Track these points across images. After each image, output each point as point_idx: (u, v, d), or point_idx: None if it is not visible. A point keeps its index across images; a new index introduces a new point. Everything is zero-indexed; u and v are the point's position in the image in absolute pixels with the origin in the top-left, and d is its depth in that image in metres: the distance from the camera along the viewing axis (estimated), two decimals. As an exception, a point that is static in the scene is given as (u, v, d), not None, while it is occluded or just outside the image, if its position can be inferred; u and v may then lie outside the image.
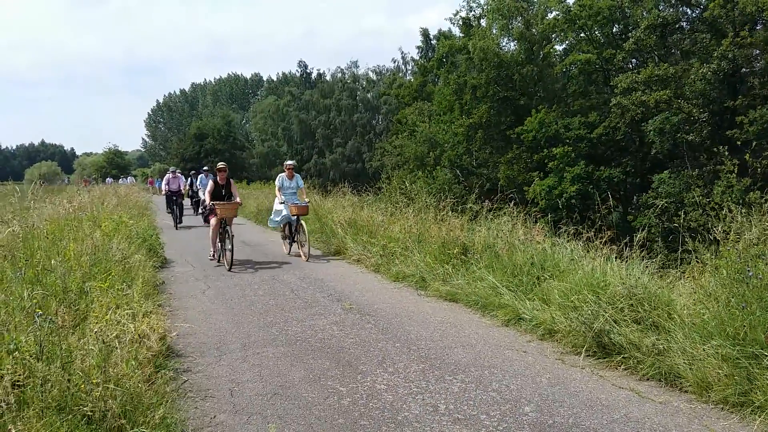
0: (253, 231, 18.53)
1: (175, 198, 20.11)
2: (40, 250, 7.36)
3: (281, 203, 12.36)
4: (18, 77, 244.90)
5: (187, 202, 23.84)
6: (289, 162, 12.98)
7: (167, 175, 21.10)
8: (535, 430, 4.14)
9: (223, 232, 11.35)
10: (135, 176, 66.91)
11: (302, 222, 12.14)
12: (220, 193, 11.65)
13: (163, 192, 20.70)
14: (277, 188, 12.65)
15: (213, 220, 11.61)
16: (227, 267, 10.79)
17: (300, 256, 12.08)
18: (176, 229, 19.06)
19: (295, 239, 12.50)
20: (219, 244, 11.54)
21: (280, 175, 12.85)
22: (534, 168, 28.07)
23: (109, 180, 55.99)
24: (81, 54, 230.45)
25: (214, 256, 11.75)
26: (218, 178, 11.73)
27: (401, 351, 5.90)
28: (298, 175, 12.94)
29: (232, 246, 10.97)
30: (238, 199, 11.84)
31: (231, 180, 11.95)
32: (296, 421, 4.36)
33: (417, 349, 5.95)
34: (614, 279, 5.93)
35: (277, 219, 12.71)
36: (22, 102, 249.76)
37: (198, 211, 23.53)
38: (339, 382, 5.10)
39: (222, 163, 12.25)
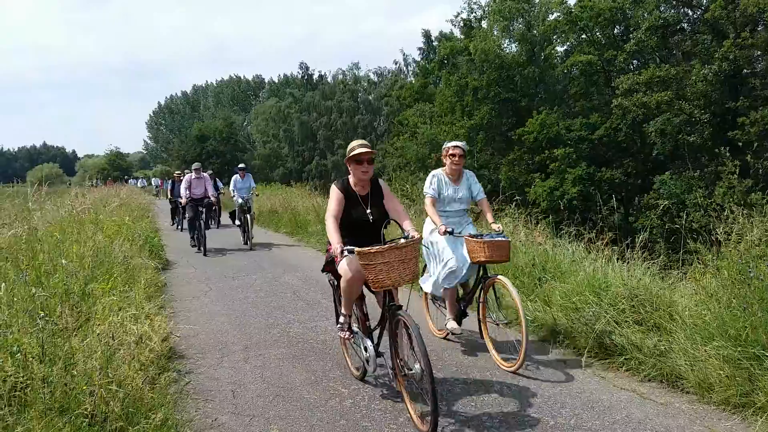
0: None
1: (200, 209, 13.73)
2: (43, 252, 7.37)
3: (447, 232, 5.68)
4: (20, 80, 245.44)
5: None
6: (455, 144, 6.07)
7: (188, 175, 14.36)
8: (536, 430, 4.14)
9: (390, 315, 4.67)
10: (139, 178, 63.80)
11: (503, 278, 5.54)
12: (361, 215, 5.04)
13: (184, 199, 13.90)
14: (427, 202, 6.04)
15: (348, 284, 4.85)
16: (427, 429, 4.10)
17: (490, 353, 5.66)
18: (204, 255, 12.95)
19: (480, 313, 5.84)
20: (361, 349, 4.99)
21: (434, 173, 6.17)
22: (535, 169, 28.10)
23: (132, 182, 54.97)
24: (83, 56, 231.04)
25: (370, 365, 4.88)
26: (351, 181, 5.08)
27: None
28: (471, 173, 6.27)
29: (427, 366, 4.06)
30: (411, 230, 4.90)
31: (382, 182, 5.22)
32: (298, 422, 4.36)
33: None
34: (616, 280, 5.93)
35: (449, 278, 5.86)
36: (24, 104, 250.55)
37: (218, 224, 18.86)
38: (341, 384, 5.10)
39: (362, 143, 5.01)
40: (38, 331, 4.40)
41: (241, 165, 15.92)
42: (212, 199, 14.12)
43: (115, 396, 4.02)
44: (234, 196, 15.16)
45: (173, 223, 20.09)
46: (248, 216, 14.54)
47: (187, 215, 14.42)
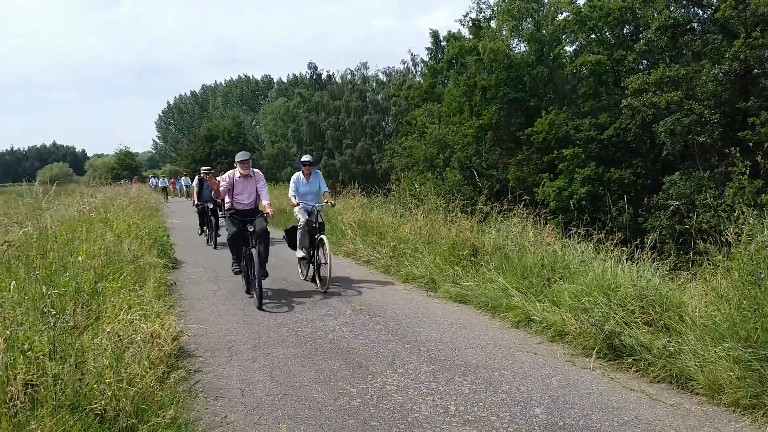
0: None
1: (249, 228, 8.47)
2: (53, 250, 7.42)
3: None
4: (30, 79, 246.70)
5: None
6: None
7: (229, 173, 8.95)
8: (545, 431, 4.13)
9: None
10: (160, 177, 59.46)
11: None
12: None
13: (225, 207, 9.02)
14: None
15: None
16: None
17: None
18: (259, 307, 7.84)
19: None
20: None
21: None
22: (544, 169, 28.00)
23: (152, 181, 52.73)
24: (92, 56, 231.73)
25: None
26: None
27: (411, 352, 5.91)
28: None
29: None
30: None
31: None
32: (307, 421, 4.37)
33: (427, 351, 5.95)
34: (625, 281, 5.91)
35: None
36: (35, 104, 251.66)
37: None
38: (349, 383, 5.11)
39: None
40: (49, 329, 4.42)
41: (307, 157, 9.95)
42: (269, 212, 8.62)
43: (125, 394, 4.05)
44: (297, 205, 9.41)
45: (201, 232, 15.82)
46: (322, 238, 8.97)
47: (227, 233, 8.77)
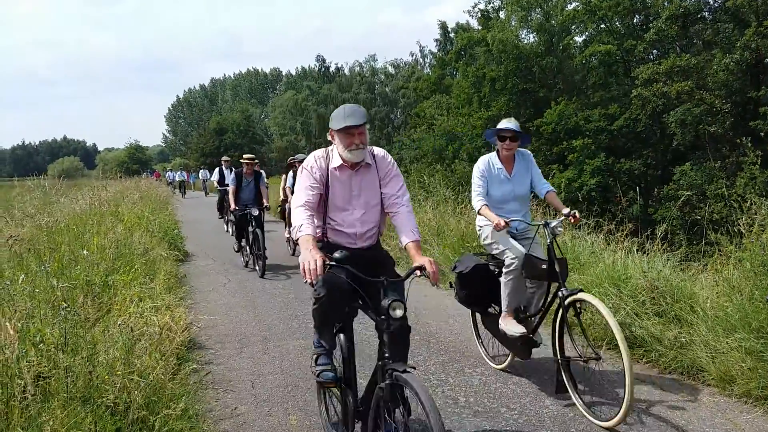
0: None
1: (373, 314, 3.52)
2: (64, 243, 7.46)
3: None
4: (40, 75, 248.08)
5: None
6: None
7: (317, 155, 3.73)
8: (555, 422, 4.12)
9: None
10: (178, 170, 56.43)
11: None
12: None
13: (314, 251, 3.44)
14: None
15: None
16: None
17: None
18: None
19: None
20: None
21: None
22: (554, 160, 27.89)
23: (169, 174, 51.20)
24: (101, 51, 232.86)
25: None
26: None
27: (420, 344, 5.91)
28: None
29: None
30: None
31: None
32: (317, 413, 4.38)
33: (436, 342, 5.95)
34: (635, 272, 5.89)
35: None
36: (45, 99, 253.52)
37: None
38: (359, 375, 5.11)
39: None
40: (60, 321, 4.45)
41: (510, 123, 4.87)
42: (425, 267, 3.61)
43: (136, 386, 4.06)
44: (502, 228, 4.60)
45: (239, 249, 10.93)
46: (580, 297, 4.41)
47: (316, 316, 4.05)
